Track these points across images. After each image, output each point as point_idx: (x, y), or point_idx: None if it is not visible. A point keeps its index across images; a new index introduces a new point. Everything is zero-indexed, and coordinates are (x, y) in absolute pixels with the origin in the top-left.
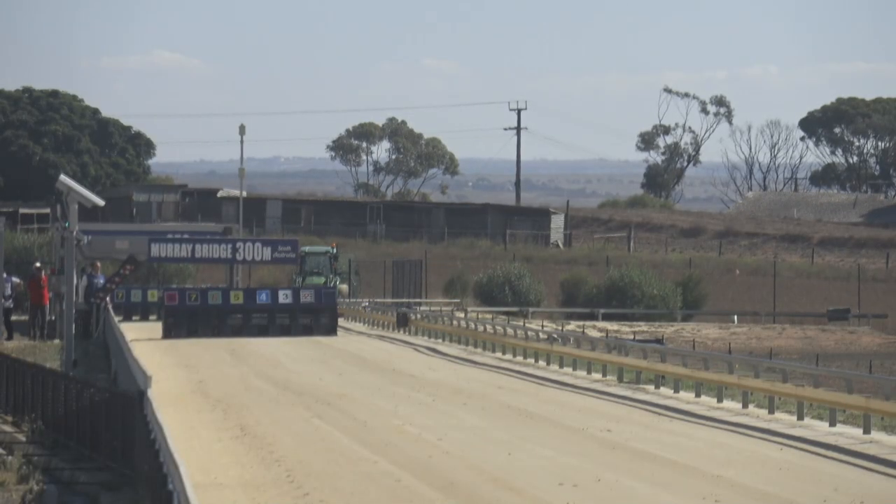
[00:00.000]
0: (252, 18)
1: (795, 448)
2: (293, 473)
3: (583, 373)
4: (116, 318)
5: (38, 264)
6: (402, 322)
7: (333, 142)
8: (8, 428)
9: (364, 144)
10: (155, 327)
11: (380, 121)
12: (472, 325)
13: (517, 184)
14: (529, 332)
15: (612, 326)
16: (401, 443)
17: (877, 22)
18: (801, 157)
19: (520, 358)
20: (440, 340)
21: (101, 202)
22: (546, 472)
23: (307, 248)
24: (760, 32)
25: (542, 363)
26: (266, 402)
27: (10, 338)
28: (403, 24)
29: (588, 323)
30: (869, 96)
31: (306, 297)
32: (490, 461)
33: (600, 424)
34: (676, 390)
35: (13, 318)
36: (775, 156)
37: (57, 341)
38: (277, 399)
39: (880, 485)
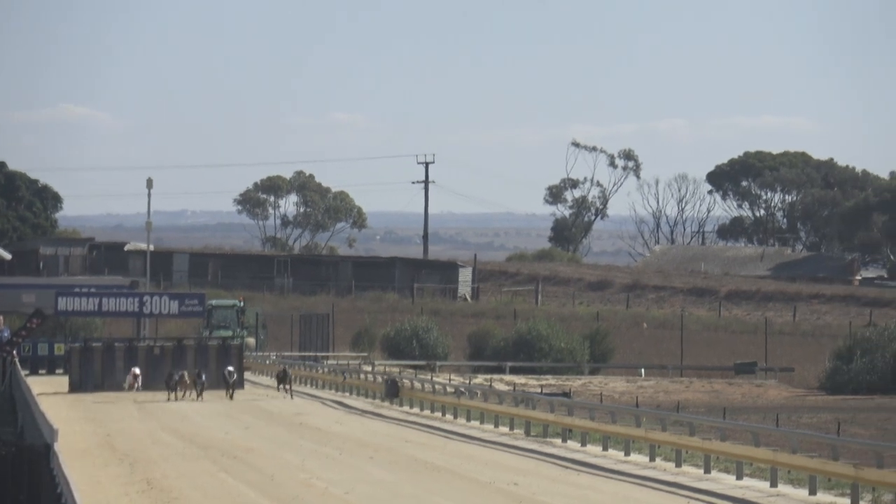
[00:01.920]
0: (160, 72)
1: (703, 501)
2: None
3: (490, 426)
4: (23, 372)
5: None
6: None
7: (241, 195)
8: None
9: (272, 198)
10: (62, 381)
11: (288, 174)
12: (380, 379)
13: (425, 237)
14: (437, 386)
15: (519, 380)
16: (308, 497)
17: (785, 76)
18: (708, 211)
19: (427, 411)
20: (347, 394)
21: (7, 256)
22: None
23: (214, 302)
24: (669, 86)
25: (449, 416)
26: (173, 456)
27: None
28: (312, 78)
29: (495, 376)
30: (776, 150)
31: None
32: None
33: (507, 478)
34: (584, 444)
35: None
36: (683, 209)
37: None
38: (184, 453)
39: None
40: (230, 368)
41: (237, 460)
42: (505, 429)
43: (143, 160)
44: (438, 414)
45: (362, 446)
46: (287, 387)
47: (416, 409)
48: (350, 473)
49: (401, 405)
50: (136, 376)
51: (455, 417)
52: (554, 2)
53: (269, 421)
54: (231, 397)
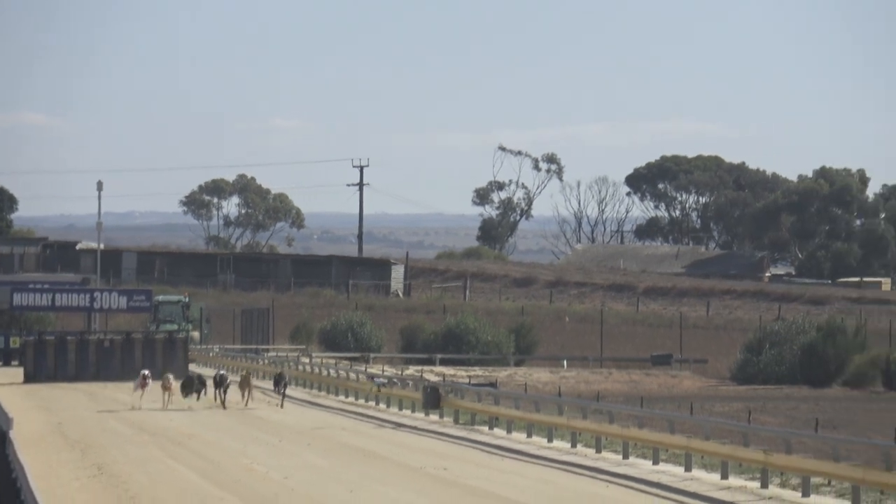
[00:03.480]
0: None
1: (621, 485)
2: None
3: (421, 415)
4: None
5: None
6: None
7: (186, 197)
8: None
9: (215, 200)
10: (17, 372)
11: (230, 177)
12: (317, 370)
13: (359, 236)
14: (371, 376)
15: (448, 371)
16: (249, 481)
17: (699, 83)
18: (626, 212)
19: (362, 401)
20: (325, 392)
21: None
22: None
23: (161, 298)
24: (589, 92)
25: (382, 406)
26: (122, 443)
27: None
28: (253, 85)
29: (426, 367)
30: (691, 154)
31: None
32: (333, 499)
33: (437, 463)
34: (509, 431)
35: None
36: (603, 210)
37: None
38: (133, 440)
39: None
40: (222, 372)
41: (182, 446)
42: (435, 417)
43: (93, 164)
44: (373, 403)
45: (300, 434)
46: (281, 391)
47: (351, 399)
48: (289, 460)
49: (441, 416)
50: (145, 378)
51: (388, 406)
52: (480, 12)
53: (212, 409)
54: (224, 405)
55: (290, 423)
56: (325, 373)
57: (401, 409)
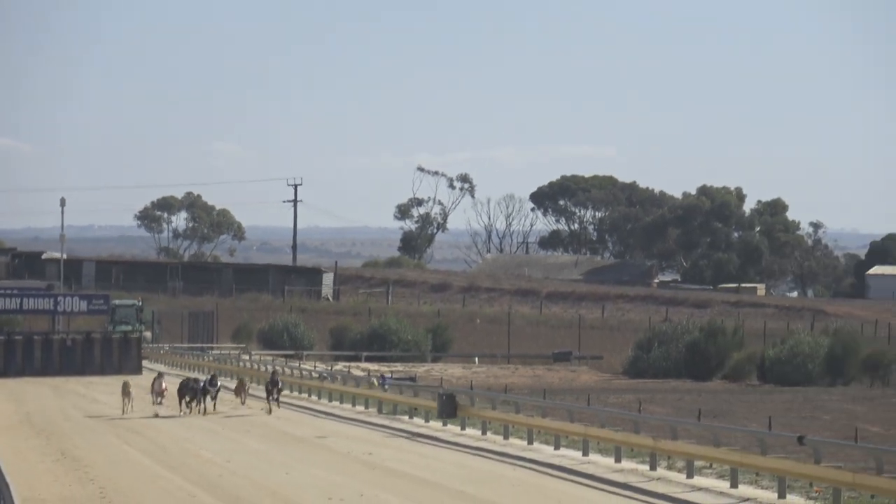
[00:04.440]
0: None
1: (526, 468)
2: (105, 490)
3: (349, 405)
4: None
5: None
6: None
7: (140, 212)
8: None
9: (165, 215)
10: None
11: (179, 195)
12: (259, 367)
13: (294, 247)
14: (304, 372)
15: (373, 366)
16: (195, 464)
17: (595, 110)
18: (531, 225)
19: (296, 393)
20: (229, 378)
21: None
22: (317, 488)
23: (117, 302)
24: (499, 119)
25: (314, 398)
26: (82, 431)
27: None
28: (199, 112)
29: (353, 364)
30: (588, 174)
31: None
32: (270, 479)
33: (363, 448)
34: (427, 420)
35: None
36: (510, 224)
37: None
38: (93, 428)
39: (598, 498)
40: (212, 375)
41: (137, 434)
42: (361, 408)
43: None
44: (306, 395)
45: (241, 422)
46: (275, 397)
47: (286, 392)
48: (230, 445)
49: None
50: (164, 389)
51: (319, 398)
52: (399, 49)
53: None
54: (209, 410)
55: (231, 413)
56: (262, 369)
57: (330, 400)
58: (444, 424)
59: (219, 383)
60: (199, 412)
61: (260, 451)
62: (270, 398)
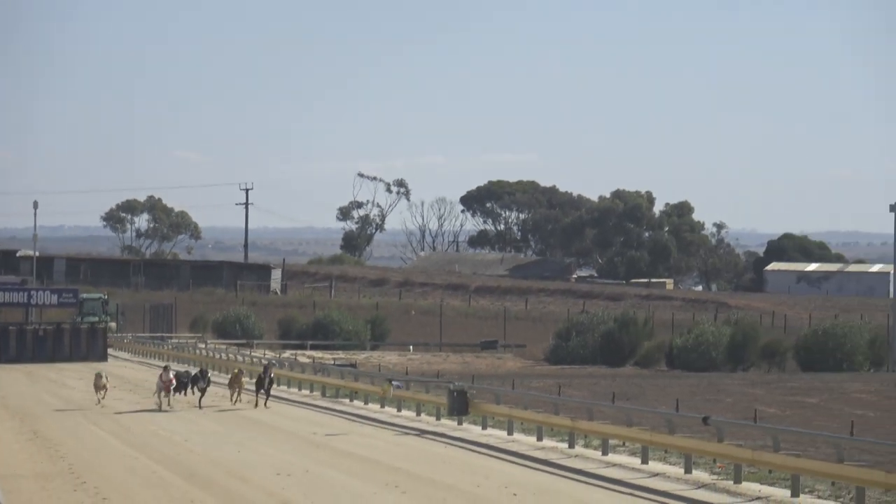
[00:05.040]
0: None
1: (456, 446)
2: (74, 467)
3: (295, 389)
4: None
5: None
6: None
7: (106, 214)
8: None
9: (129, 216)
10: None
11: (142, 198)
12: (214, 354)
13: (245, 246)
14: (255, 358)
15: (317, 354)
16: (156, 443)
17: (520, 119)
18: (461, 226)
19: (247, 378)
20: (187, 365)
21: None
22: (267, 465)
23: (85, 295)
24: (432, 128)
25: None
26: (53, 413)
27: None
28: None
29: (299, 352)
30: (513, 179)
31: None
32: (224, 457)
33: (308, 429)
34: (366, 403)
35: None
36: (442, 224)
37: None
38: (62, 410)
39: (520, 473)
40: (203, 369)
41: (104, 416)
42: (306, 392)
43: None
44: (254, 380)
45: (196, 405)
46: (266, 388)
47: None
48: (188, 426)
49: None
50: (171, 382)
51: (277, 384)
52: (341, 58)
53: (124, 386)
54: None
55: (188, 397)
56: (216, 356)
57: (278, 385)
58: (382, 406)
59: (209, 377)
60: (187, 403)
61: (215, 431)
62: (260, 391)
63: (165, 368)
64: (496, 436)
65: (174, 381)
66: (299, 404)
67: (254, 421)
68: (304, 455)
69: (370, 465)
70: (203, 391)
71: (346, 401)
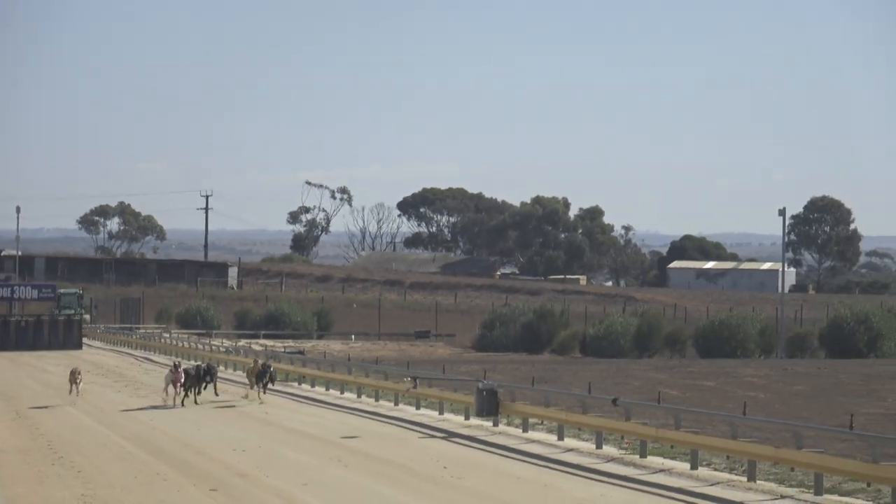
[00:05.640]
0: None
1: (393, 424)
2: (52, 444)
3: (322, 389)
4: None
5: None
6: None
7: (81, 217)
8: None
9: (102, 220)
10: None
11: (113, 203)
12: (177, 343)
13: (205, 246)
14: (213, 346)
15: (269, 342)
16: (125, 422)
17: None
18: (397, 228)
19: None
20: (152, 353)
21: None
22: (223, 441)
23: (62, 290)
24: (372, 140)
25: (222, 368)
26: (33, 395)
27: None
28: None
29: (253, 340)
30: (444, 186)
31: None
32: (185, 434)
33: (261, 409)
34: (313, 385)
35: None
36: (380, 227)
37: None
38: (42, 393)
39: (450, 448)
40: (209, 364)
41: (79, 397)
42: (337, 393)
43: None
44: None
45: (161, 389)
46: (261, 386)
47: (198, 363)
48: (149, 406)
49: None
50: (177, 369)
51: (226, 368)
52: (294, 77)
53: (96, 370)
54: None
55: (153, 382)
56: (180, 344)
57: (234, 370)
58: (327, 389)
59: (215, 372)
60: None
61: (177, 412)
62: (258, 385)
63: (175, 367)
64: (429, 415)
65: (183, 377)
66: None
67: (211, 402)
68: (256, 433)
69: (314, 440)
70: (205, 386)
71: (295, 384)
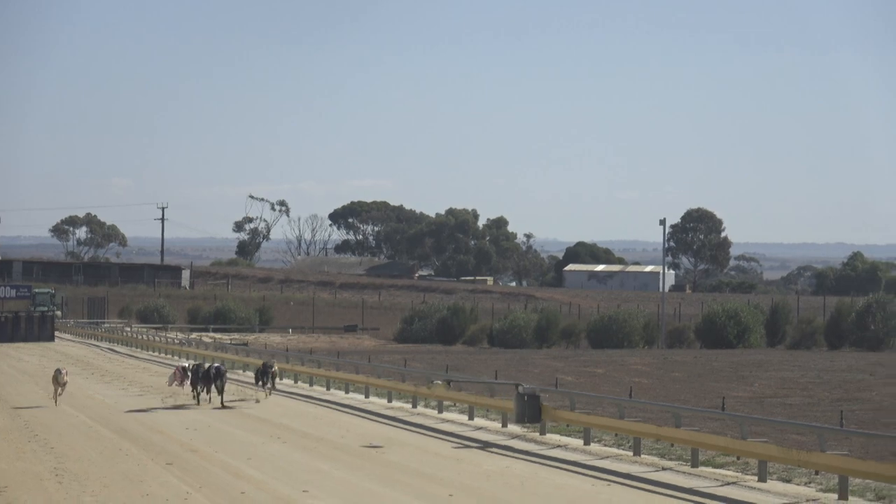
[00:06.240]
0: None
1: (325, 406)
2: (29, 424)
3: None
4: None
5: None
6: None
7: (53, 227)
8: None
9: (72, 228)
10: None
11: (81, 214)
12: (137, 335)
13: (161, 252)
14: (169, 338)
15: (218, 335)
16: (92, 405)
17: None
18: (329, 236)
19: (165, 355)
20: (116, 344)
21: None
22: (180, 422)
23: (37, 290)
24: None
25: (176, 357)
26: (11, 381)
27: None
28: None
29: (204, 334)
30: (369, 199)
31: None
32: (145, 416)
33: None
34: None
35: None
36: (314, 235)
37: None
38: (18, 379)
39: (374, 427)
40: (217, 365)
41: (51, 383)
42: (209, 365)
43: None
44: (170, 356)
45: (122, 376)
46: (267, 384)
47: (156, 353)
48: (117, 391)
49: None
50: (184, 371)
51: (180, 358)
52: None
53: (66, 360)
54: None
55: (116, 370)
56: (140, 337)
57: (188, 359)
58: (295, 382)
59: (224, 373)
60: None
61: (137, 396)
62: (262, 383)
63: (183, 368)
64: (356, 399)
65: (188, 375)
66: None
67: (170, 391)
68: (208, 414)
69: (259, 421)
70: (221, 390)
71: (241, 371)
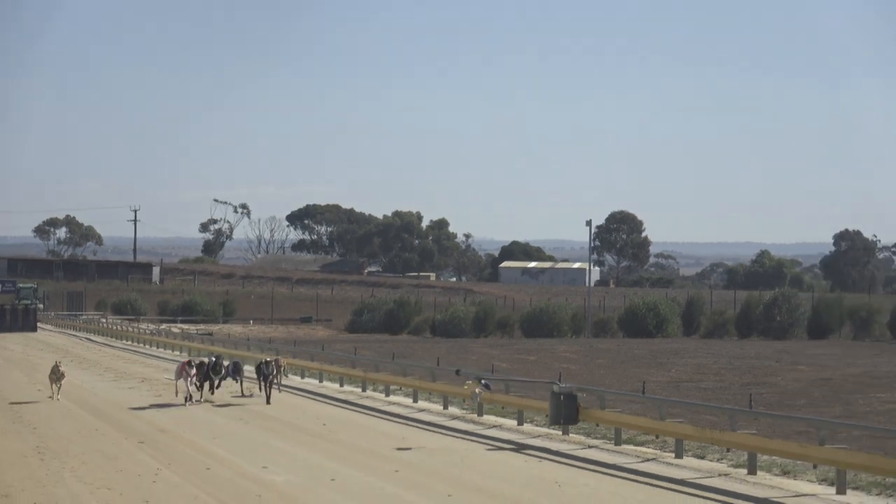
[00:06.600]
0: None
1: (290, 393)
2: (14, 407)
3: (170, 351)
4: None
5: None
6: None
7: (36, 228)
8: None
9: (52, 229)
10: None
11: (60, 216)
12: (112, 326)
13: (134, 250)
14: (141, 329)
15: (185, 326)
16: (71, 390)
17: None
18: (286, 236)
19: (139, 345)
20: (93, 334)
21: None
22: (151, 405)
23: (21, 285)
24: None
25: (149, 347)
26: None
27: None
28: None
29: (173, 325)
30: (323, 203)
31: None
32: (123, 401)
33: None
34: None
35: None
36: (273, 235)
37: None
38: (6, 367)
39: (327, 409)
40: (224, 362)
41: (37, 371)
42: (178, 353)
43: None
44: (143, 345)
45: (98, 363)
46: (275, 382)
47: (130, 343)
48: (95, 378)
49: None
50: (189, 365)
51: (152, 347)
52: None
53: (52, 350)
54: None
55: (95, 358)
56: (115, 327)
57: (157, 347)
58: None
59: (222, 370)
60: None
61: (114, 383)
62: (265, 384)
63: (189, 363)
64: (310, 383)
65: (195, 371)
66: (174, 361)
67: (142, 377)
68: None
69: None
70: (218, 384)
71: (206, 358)
